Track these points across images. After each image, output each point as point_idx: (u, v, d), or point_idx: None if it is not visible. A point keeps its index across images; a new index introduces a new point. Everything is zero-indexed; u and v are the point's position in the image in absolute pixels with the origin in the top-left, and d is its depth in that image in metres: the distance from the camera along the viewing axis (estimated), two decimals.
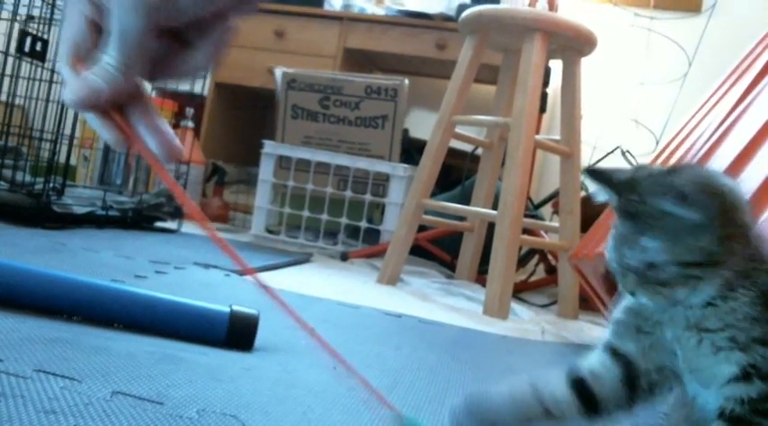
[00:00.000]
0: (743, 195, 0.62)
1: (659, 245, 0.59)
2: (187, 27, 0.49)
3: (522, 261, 2.40)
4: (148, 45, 0.46)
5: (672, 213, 0.58)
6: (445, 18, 2.83)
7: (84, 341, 0.79)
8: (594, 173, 0.64)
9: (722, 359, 0.60)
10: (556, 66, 2.26)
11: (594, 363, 0.63)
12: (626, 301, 0.64)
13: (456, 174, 2.52)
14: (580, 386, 0.62)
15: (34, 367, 0.67)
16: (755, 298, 0.59)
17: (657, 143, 2.91)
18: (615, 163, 2.82)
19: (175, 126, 2.89)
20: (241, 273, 1.53)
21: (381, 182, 2.37)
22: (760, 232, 0.63)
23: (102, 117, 0.49)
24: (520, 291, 2.14)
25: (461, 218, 2.13)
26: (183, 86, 2.39)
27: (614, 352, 0.62)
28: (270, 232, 2.48)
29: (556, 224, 1.97)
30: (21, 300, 0.87)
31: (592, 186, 0.63)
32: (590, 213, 1.88)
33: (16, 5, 1.91)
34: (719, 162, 1.13)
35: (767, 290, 0.59)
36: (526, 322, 1.65)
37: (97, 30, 0.48)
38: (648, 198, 0.59)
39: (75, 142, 2.21)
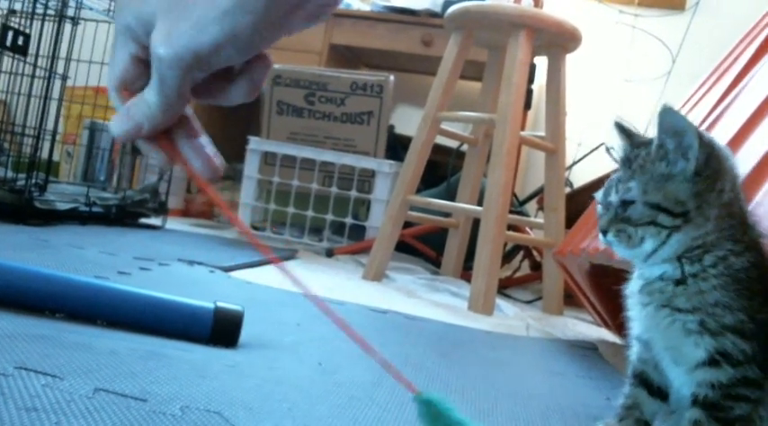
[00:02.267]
0: (739, 176, 0.63)
1: (639, 185, 0.61)
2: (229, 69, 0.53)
3: (507, 258, 2.40)
4: (186, 88, 0.50)
5: (664, 156, 0.61)
6: (431, 14, 2.83)
7: (67, 337, 0.78)
8: (621, 127, 0.69)
9: (692, 342, 0.61)
10: (541, 62, 2.27)
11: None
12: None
13: (441, 171, 2.52)
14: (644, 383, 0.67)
15: (15, 364, 0.66)
16: (728, 284, 0.60)
17: None
18: (600, 159, 2.84)
19: None
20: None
21: (367, 179, 2.37)
22: (752, 219, 0.63)
23: (148, 141, 0.53)
24: (505, 287, 2.15)
25: (447, 215, 2.14)
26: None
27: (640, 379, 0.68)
28: (255, 228, 2.47)
29: (541, 220, 1.97)
30: (2, 297, 0.86)
31: (615, 139, 0.66)
32: (575, 209, 1.89)
33: None
34: None
35: (741, 277, 0.60)
36: (511, 318, 1.65)
37: (144, 64, 0.52)
38: (664, 136, 0.62)
39: (58, 138, 2.19)
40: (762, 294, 0.61)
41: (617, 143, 0.68)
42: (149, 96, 0.51)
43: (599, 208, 0.66)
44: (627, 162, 0.65)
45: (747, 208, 0.64)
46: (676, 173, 0.61)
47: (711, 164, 0.61)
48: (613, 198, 0.63)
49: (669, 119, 0.62)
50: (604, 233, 0.63)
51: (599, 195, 0.66)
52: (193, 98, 0.54)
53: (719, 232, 0.61)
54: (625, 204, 0.62)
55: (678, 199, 0.60)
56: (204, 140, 0.55)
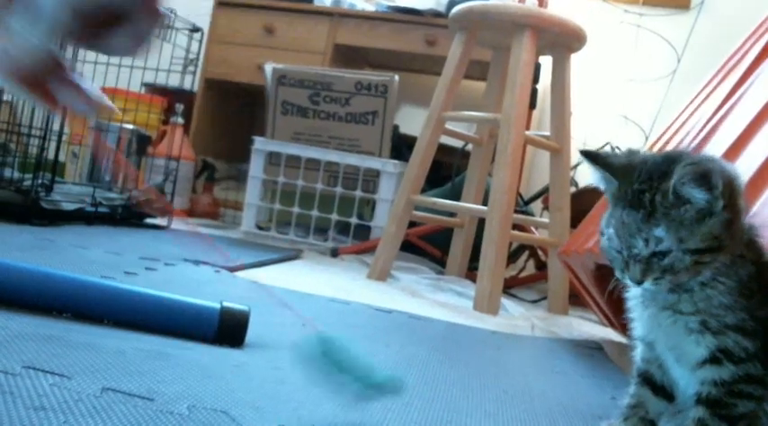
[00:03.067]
0: (742, 181, 0.63)
1: (671, 234, 0.59)
2: (109, 12, 0.51)
3: (512, 257, 2.40)
4: (65, 22, 0.48)
5: (688, 199, 0.59)
6: (435, 14, 2.83)
7: (74, 337, 0.79)
8: (591, 156, 0.64)
9: (693, 340, 0.61)
10: (546, 62, 2.27)
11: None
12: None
13: (446, 170, 2.52)
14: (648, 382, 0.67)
15: (23, 363, 0.66)
16: (734, 289, 0.59)
17: (647, 139, 2.92)
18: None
19: (165, 122, 2.88)
20: (231, 269, 1.53)
21: (371, 178, 2.37)
22: (752, 222, 0.64)
23: (24, 84, 0.51)
24: (510, 287, 2.15)
25: (452, 214, 2.14)
26: (173, 82, 2.38)
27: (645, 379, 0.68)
28: (260, 228, 2.48)
29: (546, 220, 1.97)
30: (10, 297, 0.87)
31: (589, 170, 0.64)
32: (580, 209, 1.89)
33: None
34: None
35: (746, 281, 0.60)
36: (516, 317, 1.65)
37: None
38: (663, 185, 0.59)
39: (64, 138, 2.20)
40: (760, 291, 0.61)
41: (592, 173, 0.66)
42: (25, 29, 0.49)
43: (614, 255, 0.63)
44: (630, 202, 0.62)
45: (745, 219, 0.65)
46: (707, 212, 0.60)
47: (732, 193, 0.61)
48: (643, 251, 0.61)
49: (695, 173, 0.60)
50: (639, 283, 0.62)
51: (610, 243, 0.63)
52: (75, 41, 0.52)
53: (734, 244, 0.61)
54: (658, 254, 0.60)
55: (714, 236, 0.60)
56: (83, 82, 0.53)
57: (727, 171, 0.62)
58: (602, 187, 0.66)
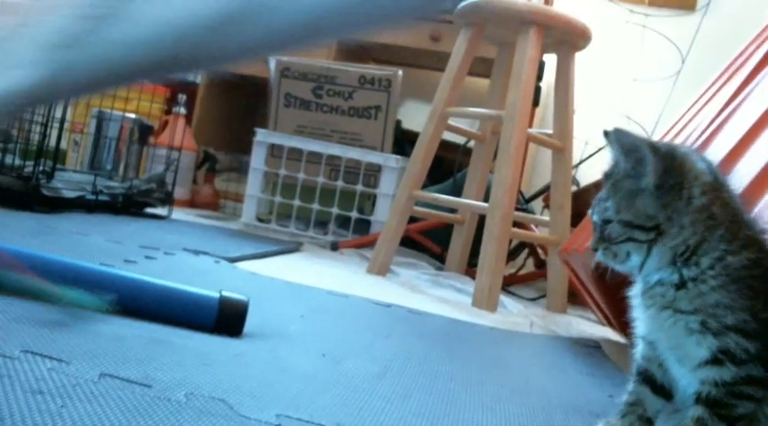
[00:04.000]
0: (718, 177, 0.63)
1: (614, 204, 0.63)
2: None
3: (512, 255, 2.40)
4: None
5: (629, 173, 0.62)
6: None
7: (73, 323, 0.79)
8: (608, 134, 0.67)
9: (694, 341, 0.61)
10: (550, 60, 2.26)
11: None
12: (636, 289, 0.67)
13: (448, 166, 2.52)
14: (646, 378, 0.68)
15: (22, 347, 0.66)
16: (727, 284, 0.59)
17: None
18: (607, 158, 2.83)
19: (167, 112, 2.88)
20: None
21: (373, 173, 2.37)
22: (747, 217, 0.63)
23: None
24: (509, 284, 2.15)
25: (452, 211, 2.13)
26: None
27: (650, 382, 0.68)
28: (260, 220, 2.48)
29: (546, 218, 1.97)
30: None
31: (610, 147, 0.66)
32: (580, 208, 1.89)
33: None
34: (711, 157, 1.14)
35: (741, 275, 0.60)
36: (515, 315, 1.65)
37: None
38: (621, 155, 0.64)
39: (66, 126, 2.20)
40: (765, 292, 0.60)
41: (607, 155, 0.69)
42: None
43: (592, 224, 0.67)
44: (607, 178, 0.66)
45: (739, 206, 0.64)
46: (641, 188, 0.62)
47: (672, 174, 0.62)
48: (596, 217, 0.65)
49: (622, 140, 0.64)
50: (595, 250, 0.65)
51: (590, 211, 0.67)
52: None
53: (704, 234, 0.61)
54: (605, 223, 0.64)
55: (648, 214, 0.62)
56: None
57: (672, 152, 0.63)
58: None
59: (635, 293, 0.68)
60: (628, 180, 0.63)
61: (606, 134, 0.66)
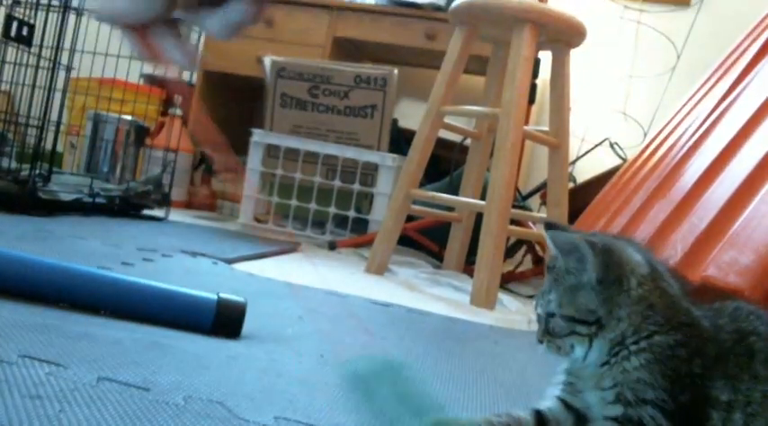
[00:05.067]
0: (653, 266, 0.64)
1: (556, 299, 0.63)
2: None
3: (510, 252, 2.40)
4: None
5: (569, 270, 0.63)
6: (435, 8, 2.82)
7: (71, 327, 0.79)
8: (550, 226, 0.67)
9: (610, 410, 0.61)
10: (545, 57, 2.26)
11: (552, 406, 0.66)
12: (565, 364, 0.67)
13: (444, 165, 2.52)
14: (539, 417, 0.65)
15: (20, 352, 0.66)
16: (651, 362, 0.60)
17: (645, 135, 2.92)
18: (603, 154, 2.84)
19: (164, 114, 2.88)
20: None
21: (370, 172, 2.37)
22: (685, 304, 0.63)
23: (130, 32, 0.55)
24: (507, 282, 2.15)
25: (449, 209, 2.14)
26: (172, 74, 2.37)
27: (566, 405, 0.66)
28: (258, 221, 2.48)
29: (543, 215, 1.97)
30: (6, 286, 0.87)
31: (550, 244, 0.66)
32: (577, 205, 1.89)
33: None
34: (707, 154, 1.14)
35: (666, 354, 0.60)
36: (513, 312, 1.66)
37: None
38: (560, 255, 0.64)
39: (62, 129, 2.20)
40: (689, 375, 0.60)
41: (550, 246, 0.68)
42: None
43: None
44: (549, 270, 0.66)
45: (678, 293, 0.64)
46: (583, 284, 0.63)
47: (612, 268, 0.62)
48: (540, 310, 0.65)
49: (559, 239, 0.64)
50: (540, 343, 0.65)
51: (534, 303, 0.67)
52: (179, 6, 0.55)
53: (639, 323, 0.62)
54: (549, 316, 0.64)
55: (589, 309, 0.62)
56: (186, 40, 0.56)
57: (609, 248, 0.63)
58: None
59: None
60: (569, 276, 0.63)
61: (546, 228, 0.66)
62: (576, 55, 1.97)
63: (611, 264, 0.62)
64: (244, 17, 0.54)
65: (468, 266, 2.08)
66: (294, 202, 2.38)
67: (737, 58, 1.38)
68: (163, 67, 0.59)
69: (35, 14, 1.94)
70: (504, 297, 1.78)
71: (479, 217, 1.76)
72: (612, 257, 0.63)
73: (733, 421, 0.59)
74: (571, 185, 2.01)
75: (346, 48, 3.06)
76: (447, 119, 1.94)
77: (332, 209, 2.36)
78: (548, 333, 0.64)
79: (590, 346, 0.62)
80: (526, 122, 2.01)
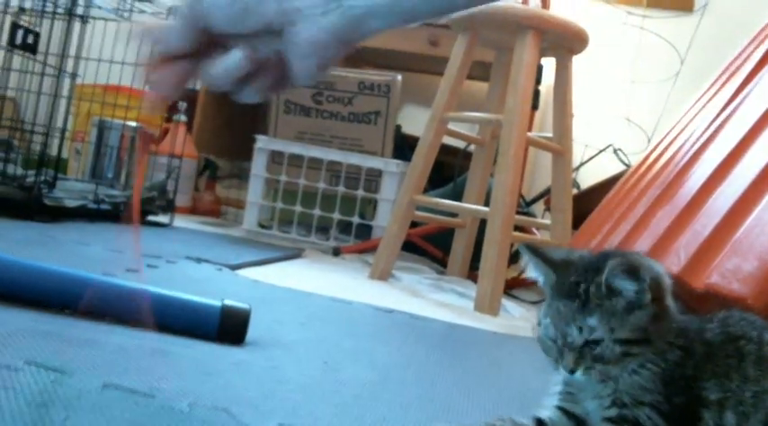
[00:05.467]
0: (668, 278, 0.65)
1: (602, 324, 0.62)
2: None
3: (514, 258, 2.40)
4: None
5: (619, 290, 0.62)
6: None
7: (75, 333, 0.79)
8: (532, 249, 0.67)
9: (607, 412, 0.63)
10: (548, 63, 2.27)
11: (552, 415, 0.67)
12: (561, 375, 0.67)
13: (448, 171, 2.52)
14: (541, 424, 0.66)
15: (25, 359, 0.67)
16: (646, 368, 0.62)
17: (649, 141, 2.92)
18: (607, 160, 2.83)
19: (168, 120, 2.88)
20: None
21: (374, 178, 2.38)
22: (682, 323, 0.65)
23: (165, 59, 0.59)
24: (511, 288, 2.15)
25: (453, 215, 2.14)
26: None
27: (566, 412, 0.66)
28: (262, 227, 2.48)
29: (547, 221, 1.97)
30: (11, 293, 0.87)
31: (527, 261, 0.67)
32: (581, 211, 1.89)
33: None
34: (710, 161, 1.14)
35: (660, 360, 0.62)
36: (517, 318, 1.66)
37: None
38: (597, 277, 0.62)
39: (67, 135, 2.21)
40: (682, 378, 0.62)
41: (532, 267, 0.68)
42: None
43: (548, 344, 0.65)
44: (566, 292, 0.64)
45: (676, 313, 0.65)
46: (634, 304, 0.62)
47: (658, 289, 0.63)
48: (576, 339, 0.63)
49: (586, 259, 0.65)
50: (572, 372, 0.63)
51: (546, 331, 0.65)
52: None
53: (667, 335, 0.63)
54: (590, 343, 0.62)
55: (641, 327, 0.62)
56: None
57: (655, 268, 0.64)
58: (540, 280, 0.68)
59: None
60: (616, 298, 0.62)
61: (528, 250, 0.67)
62: (578, 61, 1.97)
63: (660, 284, 0.63)
64: (241, 66, 0.57)
65: (472, 272, 2.08)
66: (298, 208, 2.38)
67: (741, 64, 1.38)
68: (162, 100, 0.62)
69: (41, 22, 1.95)
70: (507, 303, 1.78)
71: (483, 224, 1.76)
72: (660, 277, 0.63)
73: (724, 420, 0.60)
74: (575, 191, 2.01)
75: (350, 55, 3.06)
76: (450, 126, 1.95)
77: (336, 215, 2.36)
78: (590, 360, 0.62)
79: (628, 364, 0.62)
80: (529, 128, 2.01)
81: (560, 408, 0.66)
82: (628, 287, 0.62)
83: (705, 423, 0.61)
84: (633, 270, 0.62)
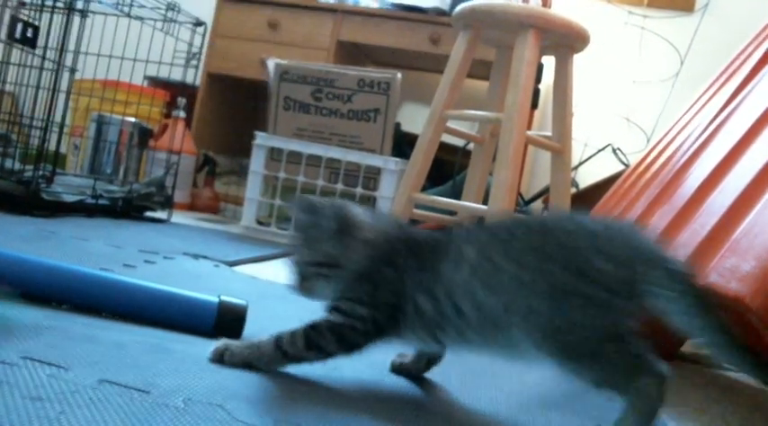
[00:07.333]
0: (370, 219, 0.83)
1: (303, 250, 0.81)
2: None
3: None
4: None
5: (309, 223, 0.81)
6: (439, 12, 2.83)
7: (73, 329, 0.79)
8: (303, 201, 0.83)
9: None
10: (549, 62, 2.27)
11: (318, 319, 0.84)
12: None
13: (447, 169, 2.52)
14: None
15: (22, 354, 0.67)
16: (350, 280, 0.80)
17: (648, 141, 2.92)
18: (606, 160, 2.84)
19: (167, 115, 2.88)
20: None
21: (373, 176, 2.37)
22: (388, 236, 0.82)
23: None
24: None
25: (452, 213, 2.14)
26: (175, 76, 2.38)
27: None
28: (260, 223, 2.48)
29: None
30: (8, 287, 0.87)
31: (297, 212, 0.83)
32: (580, 210, 1.88)
33: None
34: (709, 160, 1.14)
35: (368, 274, 0.79)
36: None
37: None
38: (299, 213, 0.82)
39: (66, 130, 2.20)
40: (386, 281, 0.79)
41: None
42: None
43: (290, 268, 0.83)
44: (299, 229, 0.82)
45: (393, 230, 0.83)
46: (323, 235, 0.80)
47: (347, 226, 0.80)
48: (293, 263, 0.82)
49: (304, 203, 0.82)
50: (295, 290, 0.83)
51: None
52: None
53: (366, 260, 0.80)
54: (299, 264, 0.82)
55: (329, 254, 0.80)
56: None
57: (345, 210, 0.81)
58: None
59: None
60: (311, 230, 0.82)
61: (295, 201, 0.84)
62: (579, 60, 1.97)
63: (349, 223, 0.80)
64: None
65: None
66: None
67: (741, 65, 1.38)
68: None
69: (40, 16, 1.94)
70: None
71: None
72: (346, 215, 0.80)
73: (419, 305, 0.77)
74: (574, 190, 2.01)
75: (350, 52, 3.07)
76: (450, 124, 1.94)
77: None
78: (303, 279, 0.81)
79: (328, 284, 0.80)
80: (529, 127, 2.01)
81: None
82: (303, 219, 0.81)
83: (407, 309, 0.77)
84: (312, 207, 0.80)
